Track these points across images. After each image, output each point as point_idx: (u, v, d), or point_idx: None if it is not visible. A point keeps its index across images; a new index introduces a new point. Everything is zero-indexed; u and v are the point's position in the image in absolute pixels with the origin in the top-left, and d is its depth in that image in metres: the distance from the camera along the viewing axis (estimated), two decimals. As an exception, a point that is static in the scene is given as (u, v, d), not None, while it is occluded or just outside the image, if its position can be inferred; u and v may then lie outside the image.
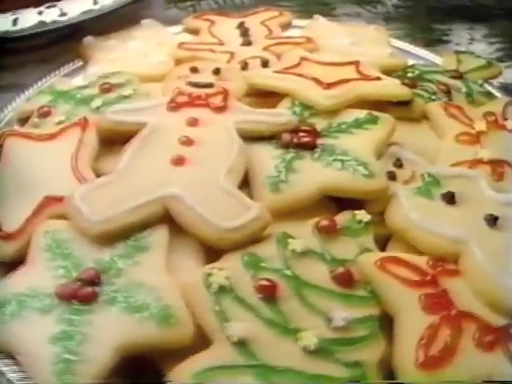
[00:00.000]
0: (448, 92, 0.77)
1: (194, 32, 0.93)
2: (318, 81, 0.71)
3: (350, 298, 0.50)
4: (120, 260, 0.52)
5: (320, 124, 0.66)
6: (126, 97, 0.70)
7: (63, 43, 0.95)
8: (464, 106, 0.74)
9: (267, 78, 0.73)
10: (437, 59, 0.87)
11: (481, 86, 0.79)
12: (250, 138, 0.63)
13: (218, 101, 0.67)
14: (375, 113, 0.67)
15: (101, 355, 0.46)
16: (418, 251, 0.54)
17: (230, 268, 0.50)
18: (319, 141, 0.63)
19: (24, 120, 0.73)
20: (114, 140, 0.64)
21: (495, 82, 0.83)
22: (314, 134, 0.64)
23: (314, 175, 0.59)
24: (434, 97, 0.76)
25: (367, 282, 0.51)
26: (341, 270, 0.51)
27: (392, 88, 0.72)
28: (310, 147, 0.62)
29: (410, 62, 0.85)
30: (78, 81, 0.80)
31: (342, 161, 0.60)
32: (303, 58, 0.77)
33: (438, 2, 1.12)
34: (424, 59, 0.88)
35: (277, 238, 0.53)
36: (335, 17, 1.08)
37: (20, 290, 0.50)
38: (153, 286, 0.50)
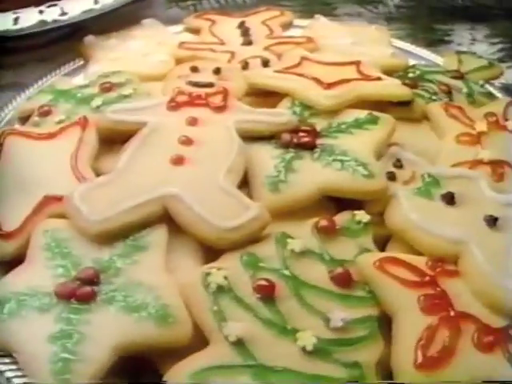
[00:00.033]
0: (449, 92, 0.77)
1: (195, 31, 0.93)
2: (318, 81, 0.71)
3: (348, 299, 0.50)
4: (119, 259, 0.52)
5: (320, 124, 0.66)
6: (126, 96, 0.71)
7: (64, 42, 0.95)
8: (465, 107, 0.74)
9: (268, 78, 0.73)
10: (438, 59, 0.87)
11: (482, 86, 0.79)
12: (250, 137, 0.63)
13: (217, 100, 0.67)
14: (375, 113, 0.66)
15: (99, 354, 0.45)
16: (418, 252, 0.54)
17: (229, 268, 0.50)
18: (319, 141, 0.63)
19: (25, 119, 0.73)
20: (113, 139, 0.64)
21: (496, 82, 0.83)
22: (314, 133, 0.64)
23: (313, 175, 0.59)
24: (434, 97, 0.76)
25: (366, 283, 0.51)
26: (339, 270, 0.51)
27: (393, 88, 0.72)
28: (310, 147, 0.62)
29: (412, 62, 0.85)
30: (79, 80, 0.81)
31: (341, 161, 0.60)
32: (304, 58, 0.77)
33: (440, 2, 1.12)
34: (425, 59, 0.87)
35: (276, 238, 0.53)
36: (336, 17, 1.08)
37: (19, 289, 0.50)
38: (151, 286, 0.50)
